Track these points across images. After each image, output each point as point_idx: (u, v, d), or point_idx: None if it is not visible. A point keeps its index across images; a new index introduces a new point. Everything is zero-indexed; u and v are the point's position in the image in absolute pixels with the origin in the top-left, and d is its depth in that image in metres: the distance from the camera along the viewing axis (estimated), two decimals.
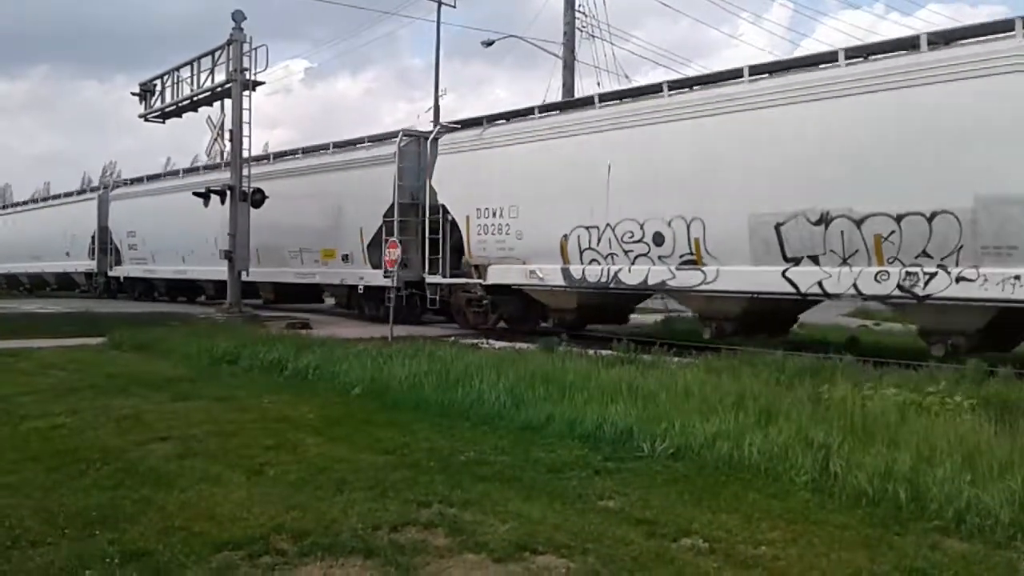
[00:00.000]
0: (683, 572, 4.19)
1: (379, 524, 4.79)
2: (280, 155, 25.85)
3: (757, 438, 6.33)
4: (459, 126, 19.42)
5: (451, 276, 18.81)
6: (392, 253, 15.93)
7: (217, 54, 21.57)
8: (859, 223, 12.15)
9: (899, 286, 11.89)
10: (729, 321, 14.63)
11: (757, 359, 10.88)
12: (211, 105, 22.70)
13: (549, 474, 6.02)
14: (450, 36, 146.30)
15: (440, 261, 18.95)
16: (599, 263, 15.65)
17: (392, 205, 19.71)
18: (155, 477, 5.82)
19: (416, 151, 20.05)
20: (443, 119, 25.28)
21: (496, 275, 17.64)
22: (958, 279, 11.30)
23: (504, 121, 18.23)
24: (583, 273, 15.91)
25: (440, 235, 18.86)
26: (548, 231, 16.29)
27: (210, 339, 13.60)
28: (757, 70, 13.75)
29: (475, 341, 15.03)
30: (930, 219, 11.44)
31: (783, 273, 13.06)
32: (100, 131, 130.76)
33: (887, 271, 12.01)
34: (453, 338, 15.47)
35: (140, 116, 25.05)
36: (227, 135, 21.21)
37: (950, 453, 5.68)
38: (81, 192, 39.13)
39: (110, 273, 34.00)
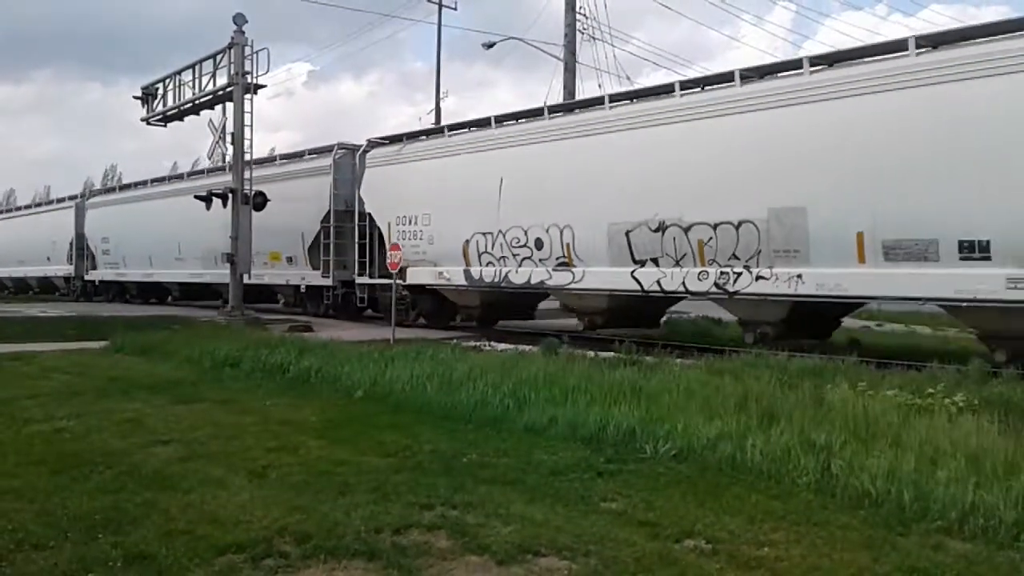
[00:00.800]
0: (686, 573, 4.19)
1: (382, 526, 4.79)
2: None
3: (760, 440, 6.33)
4: (386, 141, 21.60)
5: (378, 277, 20.57)
6: (394, 256, 16.06)
7: (218, 57, 21.59)
8: (687, 230, 14.32)
9: (715, 283, 14.02)
10: (598, 315, 16.69)
11: (760, 360, 10.88)
12: (212, 108, 22.73)
13: (552, 476, 6.02)
14: (452, 39, 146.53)
15: (368, 263, 20.97)
16: (493, 265, 17.75)
17: (329, 212, 21.72)
18: (158, 480, 5.82)
19: (351, 163, 21.89)
20: (446, 121, 25.47)
21: (413, 276, 19.60)
22: (757, 277, 13.44)
23: (425, 138, 20.64)
24: (481, 274, 18.06)
25: (367, 240, 21.02)
26: (453, 237, 18.38)
27: (212, 342, 13.61)
28: (615, 98, 16.29)
29: (476, 343, 15.03)
30: (737, 227, 13.60)
31: (631, 273, 15.20)
32: (104, 134, 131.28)
33: (707, 271, 14.17)
34: (454, 341, 15.48)
35: (142, 119, 25.08)
36: (228, 138, 21.23)
37: (953, 454, 5.68)
38: (60, 200, 40.66)
39: (86, 277, 35.65)
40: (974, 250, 11.06)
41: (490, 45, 33.10)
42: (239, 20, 20.57)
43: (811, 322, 14.33)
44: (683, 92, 14.74)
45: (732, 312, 15.15)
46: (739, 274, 13.64)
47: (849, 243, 12.25)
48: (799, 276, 12.88)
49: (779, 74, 13.75)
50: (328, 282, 21.65)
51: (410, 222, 19.57)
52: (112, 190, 36.76)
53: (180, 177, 30.21)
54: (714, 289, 14.07)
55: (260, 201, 21.04)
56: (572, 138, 16.31)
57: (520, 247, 17.09)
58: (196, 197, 22.71)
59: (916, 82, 11.60)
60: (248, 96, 20.83)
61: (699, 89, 14.83)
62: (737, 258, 13.66)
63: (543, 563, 4.33)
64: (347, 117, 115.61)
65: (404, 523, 4.87)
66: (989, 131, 10.84)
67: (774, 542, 4.63)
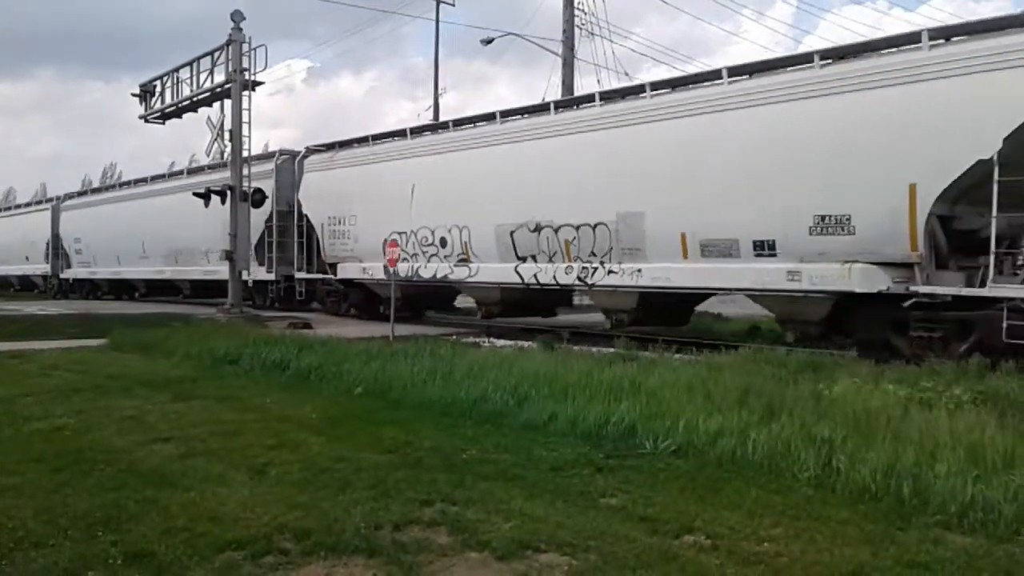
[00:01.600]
0: (686, 569, 4.19)
1: (382, 523, 4.80)
2: (196, 169, 30.01)
3: (760, 435, 6.33)
4: (323, 148, 23.67)
5: (316, 272, 23.09)
6: (392, 252, 16.17)
7: (216, 54, 21.55)
8: (556, 231, 16.46)
9: (578, 277, 16.24)
10: (494, 305, 18.87)
11: (759, 356, 10.88)
12: (211, 105, 22.69)
13: (551, 472, 6.02)
14: (453, 35, 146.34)
15: (305, 259, 23.32)
16: (407, 261, 19.65)
17: (272, 213, 23.59)
18: (158, 477, 5.82)
19: (291, 168, 23.98)
20: (446, 117, 25.60)
21: (342, 271, 22.20)
22: (609, 271, 15.61)
23: (356, 146, 22.36)
24: (412, 270, 19.98)
25: (305, 239, 23.21)
26: (375, 236, 19.84)
27: (211, 339, 13.62)
28: (505, 114, 18.08)
29: (476, 340, 15.05)
30: (594, 228, 15.73)
31: (515, 268, 17.35)
32: (105, 132, 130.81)
33: (572, 266, 16.32)
34: (454, 337, 15.50)
35: (140, 117, 25.04)
36: (227, 135, 21.21)
37: (953, 448, 5.68)
38: (38, 203, 43.81)
39: (61, 275, 37.65)
40: (764, 248, 13.27)
41: (488, 41, 33.06)
42: (237, 17, 20.53)
43: (663, 311, 16.26)
44: (558, 110, 17.13)
45: (593, 301, 17.77)
46: (596, 269, 15.86)
47: (675, 242, 14.39)
48: (639, 270, 15.15)
49: (628, 96, 16.00)
50: (272, 277, 24.09)
51: (340, 222, 21.72)
52: (84, 193, 39.16)
53: (145, 181, 32.35)
54: (577, 282, 16.50)
55: (259, 198, 21.04)
56: (468, 149, 18.47)
57: (428, 245, 19.39)
58: (195, 194, 22.73)
59: (724, 107, 13.74)
60: (246, 93, 20.80)
61: (574, 107, 17.15)
62: (595, 255, 15.85)
63: (543, 559, 4.33)
64: (347, 114, 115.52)
65: (404, 519, 4.88)
66: (775, 152, 12.95)
67: (774, 537, 4.63)
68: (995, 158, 10.59)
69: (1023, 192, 10.49)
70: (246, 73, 20.74)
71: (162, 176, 32.20)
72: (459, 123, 19.51)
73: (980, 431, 6.09)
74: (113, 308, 26.23)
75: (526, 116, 17.71)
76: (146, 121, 25.13)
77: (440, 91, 36.90)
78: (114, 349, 14.25)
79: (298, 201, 23.31)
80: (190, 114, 23.73)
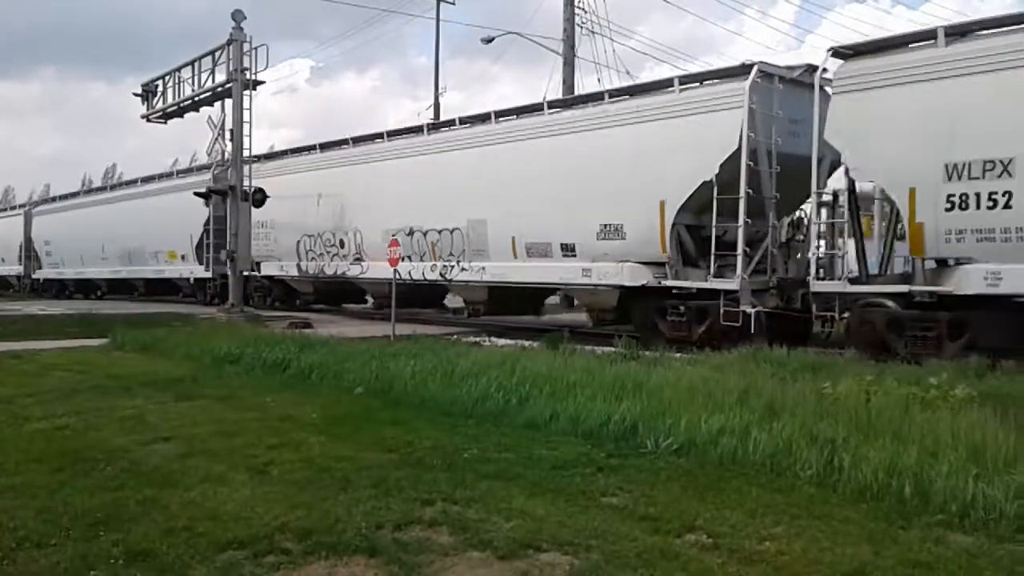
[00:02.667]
0: (687, 568, 4.19)
1: (383, 522, 4.80)
2: (148, 179, 33.03)
3: (761, 433, 6.32)
4: (256, 160, 25.32)
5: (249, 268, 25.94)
6: (393, 252, 16.24)
7: (217, 54, 21.54)
8: (425, 234, 19.65)
9: (440, 274, 19.41)
10: (384, 298, 20.69)
11: (759, 355, 10.88)
12: (212, 105, 22.68)
13: (553, 471, 6.02)
14: (456, 34, 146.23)
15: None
16: (315, 260, 23.50)
17: (209, 217, 26.05)
18: (159, 477, 5.82)
19: (227, 179, 25.53)
20: (447, 116, 25.84)
21: (266, 269, 25.60)
22: (462, 269, 18.81)
23: (279, 158, 26.28)
24: (307, 268, 23.92)
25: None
26: (290, 238, 24.04)
27: (212, 339, 13.62)
28: (392, 133, 21.77)
29: (477, 339, 15.04)
30: (452, 232, 19.01)
31: (417, 269, 20.09)
32: (108, 132, 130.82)
33: (436, 264, 19.59)
34: (455, 336, 15.50)
35: (142, 116, 25.05)
36: (228, 135, 21.20)
37: (955, 447, 5.67)
38: (13, 208, 47.36)
39: (33, 276, 40.50)
40: (568, 250, 16.48)
41: (489, 40, 33.04)
42: (238, 16, 20.50)
43: (510, 301, 19.17)
44: (429, 132, 20.68)
45: (455, 294, 21.04)
46: (453, 267, 19.10)
47: (509, 245, 17.64)
48: (484, 267, 18.36)
49: (480, 122, 19.15)
50: (209, 275, 27.04)
51: (263, 226, 24.30)
52: (54, 200, 42.56)
53: (105, 189, 37.20)
54: (440, 278, 19.63)
55: (260, 198, 21.04)
56: (362, 164, 21.79)
57: (331, 246, 22.62)
58: (196, 193, 22.86)
59: (541, 135, 17.05)
60: (247, 92, 20.79)
61: (442, 129, 20.44)
62: (452, 255, 19.13)
63: (544, 558, 4.33)
64: (349, 113, 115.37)
65: (405, 519, 4.87)
66: (573, 172, 16.15)
67: (775, 536, 4.63)
68: (714, 180, 13.75)
69: (751, 206, 13.69)
70: (247, 72, 20.72)
71: (119, 185, 37.32)
72: (357, 140, 22.84)
73: (982, 430, 6.09)
74: (112, 308, 26.26)
75: (406, 136, 21.38)
76: (148, 121, 25.14)
77: (440, 91, 36.94)
78: (115, 349, 14.25)
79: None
80: (192, 114, 23.74)
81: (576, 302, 19.99)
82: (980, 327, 11.37)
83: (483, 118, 19.02)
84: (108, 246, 32.70)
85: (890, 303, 12.26)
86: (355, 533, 4.61)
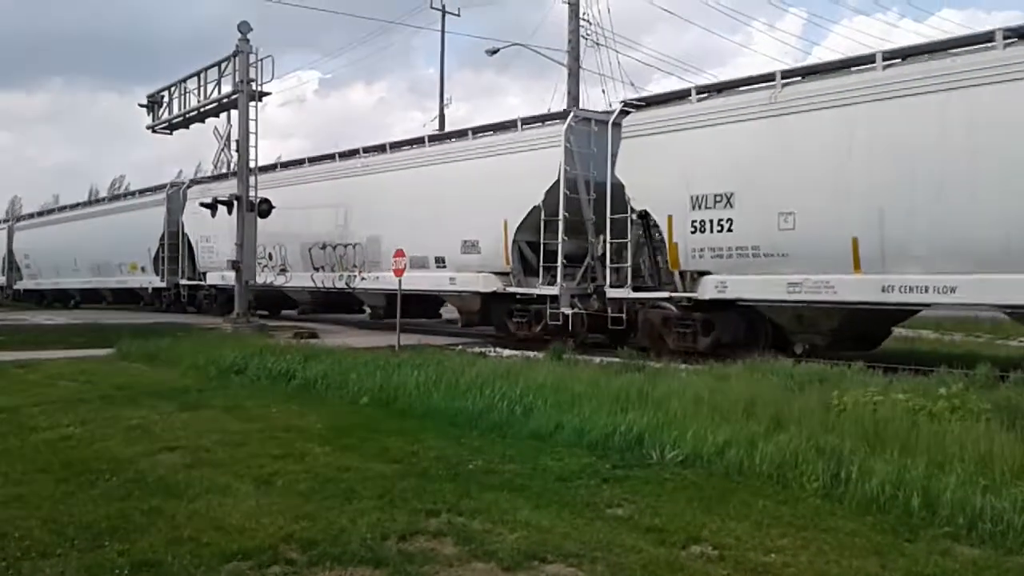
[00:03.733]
0: None
1: (388, 533, 4.79)
2: (115, 197, 39.76)
3: (768, 445, 6.30)
4: (205, 180, 30.14)
5: (194, 279, 29.68)
6: (399, 262, 16.29)
7: (223, 65, 21.64)
8: (334, 248, 22.62)
9: (346, 283, 22.29)
10: (307, 304, 26.09)
11: (766, 366, 10.85)
12: (218, 116, 22.80)
13: (558, 482, 6.01)
14: (463, 46, 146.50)
15: (187, 270, 30.01)
16: (264, 271, 24.92)
17: (163, 233, 30.01)
18: (164, 487, 5.82)
19: (178, 196, 30.29)
20: (453, 127, 26.13)
21: (210, 279, 28.51)
22: (362, 278, 21.71)
23: (221, 180, 27.32)
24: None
25: (186, 253, 29.83)
26: (228, 251, 24.14)
27: (217, 349, 13.63)
28: (312, 160, 25.16)
29: (482, 350, 15.04)
30: (354, 247, 21.95)
31: (311, 276, 23.68)
32: (117, 143, 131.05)
33: (342, 274, 22.36)
34: (459, 347, 15.49)
35: (148, 128, 25.17)
36: (233, 145, 21.29)
37: (962, 459, 5.65)
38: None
39: (15, 286, 43.42)
40: (440, 262, 19.48)
41: (494, 51, 33.15)
42: (243, 28, 20.60)
43: (406, 307, 20.14)
44: (339, 159, 23.59)
45: (361, 299, 23.69)
46: (355, 276, 21.89)
47: (429, 260, 19.90)
48: (378, 277, 20.86)
49: (378, 152, 22.14)
50: (164, 285, 30.55)
51: (207, 240, 27.84)
52: (32, 216, 45.50)
53: (77, 206, 40.37)
54: (345, 286, 22.36)
55: (265, 208, 21.09)
56: (285, 186, 24.05)
57: (261, 258, 24.03)
58: (201, 204, 22.96)
59: (424, 164, 20.24)
60: (253, 104, 20.88)
61: (350, 157, 23.16)
62: (355, 266, 21.90)
63: (550, 570, 4.32)
64: (357, 124, 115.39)
65: (410, 530, 4.87)
66: (443, 196, 19.00)
67: (781, 548, 4.61)
68: (541, 205, 16.72)
69: (576, 227, 16.65)
70: (253, 84, 20.82)
71: (89, 203, 41.47)
72: (285, 165, 26.64)
73: (989, 442, 6.06)
74: (118, 318, 26.37)
75: (321, 162, 24.58)
76: (153, 131, 25.26)
77: (446, 102, 37.08)
78: (120, 359, 14.27)
79: (181, 223, 29.66)
80: (197, 124, 23.85)
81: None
82: (721, 325, 14.47)
83: (380, 148, 22.20)
84: (79, 259, 35.86)
85: (668, 305, 15.10)
86: (360, 544, 4.60)
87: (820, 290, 12.82)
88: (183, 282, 29.94)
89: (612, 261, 15.83)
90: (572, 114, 17.36)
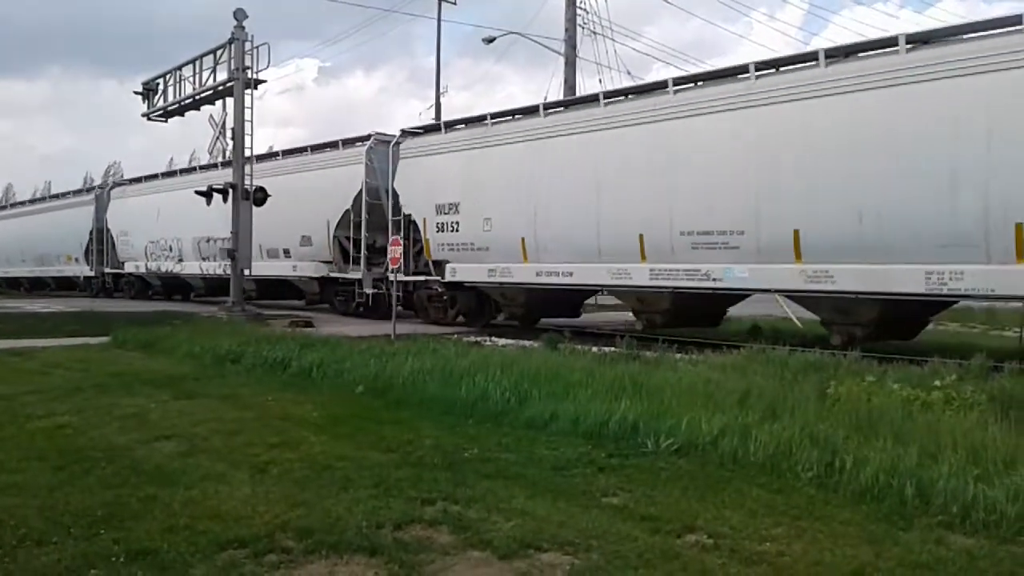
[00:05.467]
0: (687, 568, 4.19)
1: (383, 522, 4.80)
2: (55, 196, 43.13)
3: (762, 434, 6.32)
4: (125, 183, 36.50)
5: (113, 267, 34.74)
6: (395, 251, 16.29)
7: (219, 52, 21.54)
8: (216, 242, 25.37)
9: (225, 270, 23.57)
10: (202, 289, 30.20)
11: (761, 356, 10.88)
12: (213, 104, 22.71)
13: (553, 471, 6.02)
14: (463, 35, 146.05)
15: (110, 260, 34.96)
16: (156, 261, 31.32)
17: (92, 229, 35.16)
18: (160, 475, 5.83)
19: (104, 196, 35.70)
20: (451, 116, 26.15)
21: (128, 267, 33.54)
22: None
23: (139, 183, 34.39)
24: (150, 266, 31.90)
25: (109, 245, 34.78)
26: (141, 244, 32.02)
27: (213, 338, 13.62)
28: (205, 168, 29.37)
29: (478, 339, 15.04)
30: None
31: (199, 265, 28.36)
32: (116, 130, 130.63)
33: (223, 263, 24.23)
34: (456, 336, 15.49)
35: (143, 115, 25.06)
36: (229, 133, 21.21)
37: (956, 448, 5.67)
38: None
39: None
40: (286, 254, 24.29)
41: (491, 40, 33.04)
42: (239, 15, 20.50)
43: (270, 291, 26.45)
44: (222, 167, 25.55)
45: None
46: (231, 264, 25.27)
47: (258, 250, 23.37)
48: (294, 267, 24.54)
49: (264, 160, 25.16)
50: (93, 273, 35.52)
51: (125, 234, 33.19)
52: (3, 208, 49.90)
53: (24, 203, 46.20)
54: (221, 272, 25.21)
55: (261, 196, 21.04)
56: (175, 191, 28.60)
57: (164, 250, 30.12)
58: (197, 192, 22.84)
59: (278, 174, 23.76)
60: (248, 91, 20.80)
61: (228, 167, 25.74)
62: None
63: (545, 558, 4.33)
64: (356, 113, 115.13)
65: (406, 518, 4.87)
66: (290, 200, 22.32)
67: (776, 537, 4.63)
68: (350, 209, 21.57)
69: (380, 225, 20.91)
70: (248, 71, 20.73)
71: (35, 200, 47.69)
72: (185, 171, 31.89)
73: (983, 431, 6.09)
74: (113, 306, 26.39)
75: (196, 172, 29.63)
76: (148, 119, 25.15)
77: (443, 90, 37.04)
78: (116, 347, 14.26)
79: (105, 219, 34.58)
80: (193, 112, 23.77)
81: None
82: (461, 300, 19.85)
83: (262, 157, 25.15)
84: (25, 251, 41.17)
85: (435, 286, 19.99)
86: (356, 532, 4.61)
87: (506, 274, 17.93)
88: (108, 271, 34.99)
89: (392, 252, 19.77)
90: (372, 137, 21.86)
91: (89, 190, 37.85)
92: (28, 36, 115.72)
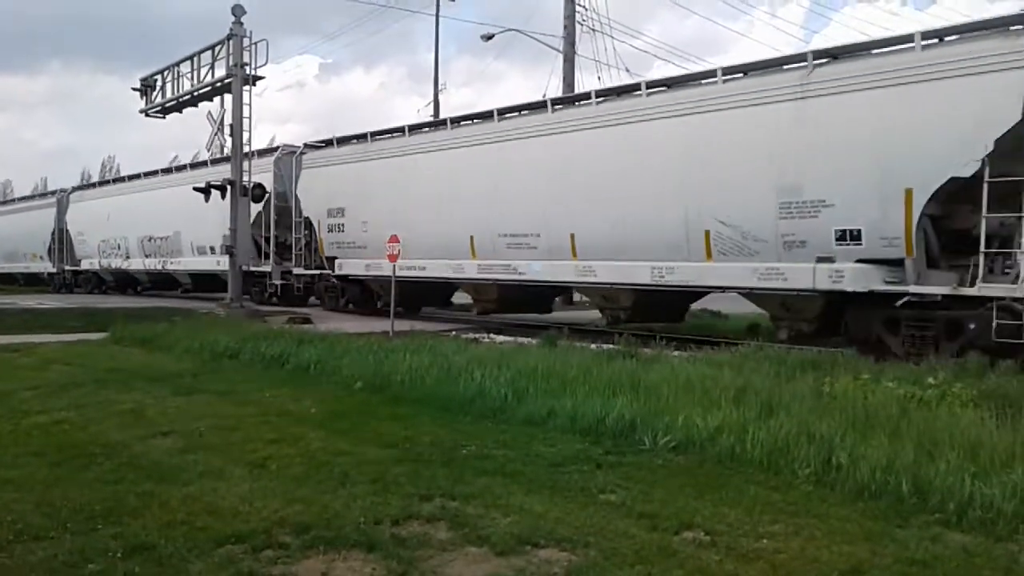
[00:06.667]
0: (685, 565, 4.20)
1: (381, 518, 4.80)
2: (23, 199, 48.84)
3: (759, 431, 6.33)
4: (84, 187, 41.20)
5: (72, 264, 38.04)
6: (393, 248, 16.32)
7: (217, 49, 21.50)
8: (157, 240, 30.69)
9: (163, 266, 30.79)
10: (147, 284, 33.91)
11: (758, 353, 10.88)
12: (211, 100, 22.65)
13: (551, 468, 6.03)
14: (464, 32, 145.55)
15: (70, 257, 38.20)
16: (108, 258, 34.65)
17: (54, 229, 38.26)
18: (158, 471, 5.83)
19: (64, 200, 38.57)
20: (452, 114, 26.11)
21: (84, 264, 36.97)
22: (173, 262, 30.22)
23: (94, 188, 39.85)
24: (103, 263, 35.11)
25: (68, 244, 38.01)
26: (95, 242, 35.55)
27: (211, 334, 13.62)
28: (149, 174, 32.81)
29: (476, 335, 15.05)
30: (167, 239, 29.88)
31: (143, 261, 32.04)
32: (115, 126, 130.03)
33: (163, 260, 30.62)
34: (454, 332, 15.49)
35: (141, 111, 25.01)
36: (227, 130, 21.18)
37: (952, 446, 5.68)
38: None
39: None
40: (207, 251, 27.25)
41: (489, 37, 32.99)
42: (237, 11, 20.46)
43: (205, 284, 29.18)
44: (162, 174, 31.79)
45: (176, 278, 30.96)
46: (168, 261, 30.27)
47: (189, 246, 28.73)
48: (180, 261, 29.51)
49: (192, 168, 29.80)
50: (55, 270, 38.73)
51: (81, 234, 36.61)
52: None
53: (30, 197, 49.19)
54: (162, 268, 30.64)
55: (259, 193, 21.04)
56: (124, 195, 33.34)
57: (114, 247, 33.83)
58: (195, 189, 22.86)
59: (180, 184, 27.24)
60: (247, 88, 20.76)
61: (161, 175, 31.84)
62: (170, 253, 30.03)
63: (542, 554, 4.33)
64: (356, 109, 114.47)
65: (403, 514, 4.88)
66: (192, 208, 24.11)
67: (773, 534, 4.64)
68: (262, 211, 24.25)
69: (286, 224, 24.61)
70: (247, 68, 20.69)
71: (4, 202, 52.61)
72: (131, 177, 34.67)
73: (979, 429, 6.10)
74: (112, 302, 26.38)
75: (142, 178, 32.86)
76: (147, 115, 25.10)
77: (441, 86, 37.02)
78: (114, 343, 14.26)
79: (65, 221, 37.89)
80: (191, 108, 23.72)
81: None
82: (350, 291, 22.87)
83: (195, 165, 29.92)
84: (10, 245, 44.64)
85: (331, 279, 22.95)
86: (353, 528, 4.62)
87: (378, 269, 20.56)
88: (67, 267, 38.21)
89: (299, 249, 23.94)
90: (280, 149, 25.65)
91: (52, 194, 41.65)
92: (32, 32, 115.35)
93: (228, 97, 21.18)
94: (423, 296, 22.00)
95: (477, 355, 10.27)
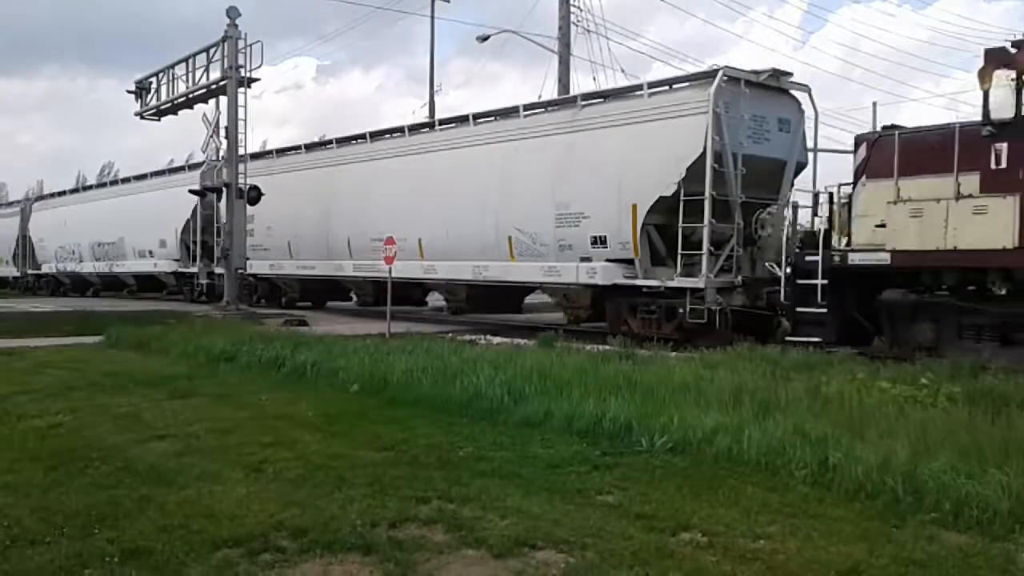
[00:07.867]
0: (682, 566, 4.20)
1: (378, 520, 4.80)
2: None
3: (755, 432, 6.33)
4: (46, 197, 44.07)
5: (32, 269, 40.74)
6: (389, 250, 16.33)
7: (212, 51, 21.50)
8: (105, 245, 33.35)
9: (110, 268, 33.54)
10: (98, 286, 36.41)
11: (753, 353, 10.89)
12: (206, 102, 22.67)
13: (548, 469, 6.03)
14: (461, 34, 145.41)
15: (31, 262, 40.90)
16: (64, 262, 37.24)
17: (18, 236, 41.23)
18: (154, 475, 5.82)
19: (28, 208, 41.62)
20: (447, 115, 26.19)
21: (44, 268, 39.47)
22: (118, 265, 32.77)
23: (53, 197, 42.42)
24: (64, 267, 37.38)
25: (31, 250, 40.63)
26: (54, 248, 38.10)
27: (207, 337, 13.59)
28: (98, 185, 41.91)
29: (472, 337, 15.03)
30: (114, 244, 32.47)
31: (92, 264, 34.56)
32: (110, 129, 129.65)
33: (112, 263, 33.03)
34: (450, 334, 15.48)
35: (136, 114, 25.01)
36: (223, 132, 21.16)
37: (947, 446, 5.69)
38: None
39: None
40: (147, 255, 30.57)
41: (484, 38, 32.95)
42: (232, 13, 20.48)
43: (145, 285, 32.56)
44: (110, 185, 37.10)
45: (122, 280, 33.77)
46: (114, 264, 33.01)
47: (129, 252, 31.70)
48: (124, 264, 32.19)
49: (121, 183, 35.23)
50: (19, 274, 41.57)
51: (42, 240, 39.38)
52: None
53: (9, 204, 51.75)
54: (109, 271, 33.27)
55: (255, 195, 21.02)
56: (76, 204, 36.84)
57: (69, 254, 36.25)
58: (190, 191, 22.89)
59: (139, 192, 31.84)
60: (241, 90, 20.75)
61: (103, 187, 38.21)
62: (117, 257, 32.61)
63: (540, 556, 4.33)
64: (353, 112, 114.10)
65: (400, 517, 4.88)
66: (151, 211, 29.36)
67: (770, 535, 4.64)
68: (190, 218, 27.55)
69: (212, 231, 26.66)
70: (242, 70, 20.68)
71: None
72: (85, 188, 40.73)
73: (973, 429, 6.11)
74: (107, 305, 26.34)
75: (94, 189, 38.41)
76: (142, 118, 25.10)
77: (437, 88, 37.02)
78: (110, 346, 14.23)
79: (28, 228, 40.60)
80: (187, 111, 23.72)
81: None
82: (260, 288, 26.03)
83: (126, 180, 34.97)
84: None
85: (248, 277, 24.70)
86: (350, 531, 4.61)
87: (279, 268, 24.82)
88: (30, 272, 40.82)
89: (220, 253, 25.22)
90: (205, 164, 27.46)
91: (17, 203, 45.95)
92: (28, 35, 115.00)
93: (224, 99, 21.17)
94: (321, 293, 25.36)
95: (473, 357, 10.26)
